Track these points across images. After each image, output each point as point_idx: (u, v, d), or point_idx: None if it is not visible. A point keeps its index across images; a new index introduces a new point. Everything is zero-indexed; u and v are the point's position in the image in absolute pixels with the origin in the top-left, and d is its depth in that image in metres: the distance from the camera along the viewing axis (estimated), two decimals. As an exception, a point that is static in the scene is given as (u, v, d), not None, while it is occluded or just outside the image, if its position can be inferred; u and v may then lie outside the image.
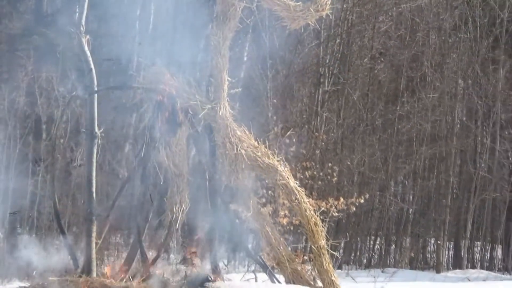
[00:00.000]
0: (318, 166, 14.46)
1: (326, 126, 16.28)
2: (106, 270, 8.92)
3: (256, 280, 9.79)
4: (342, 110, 16.75)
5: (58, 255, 9.04)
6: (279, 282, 9.20)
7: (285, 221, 10.41)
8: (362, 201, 12.58)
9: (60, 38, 12.28)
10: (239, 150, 8.88)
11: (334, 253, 9.92)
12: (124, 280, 8.62)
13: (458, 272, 16.31)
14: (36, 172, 12.72)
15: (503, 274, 16.53)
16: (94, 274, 8.72)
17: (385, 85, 17.87)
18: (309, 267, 9.32)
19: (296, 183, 9.09)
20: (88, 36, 8.99)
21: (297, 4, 8.98)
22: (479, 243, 17.54)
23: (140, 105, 10.78)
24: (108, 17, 12.28)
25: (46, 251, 9.05)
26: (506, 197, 17.06)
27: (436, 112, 17.35)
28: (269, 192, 10.28)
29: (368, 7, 17.44)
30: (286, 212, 10.30)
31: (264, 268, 9.28)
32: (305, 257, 9.51)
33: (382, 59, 18.05)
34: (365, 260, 16.91)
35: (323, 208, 10.11)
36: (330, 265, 9.10)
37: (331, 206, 11.15)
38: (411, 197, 17.62)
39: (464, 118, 18.07)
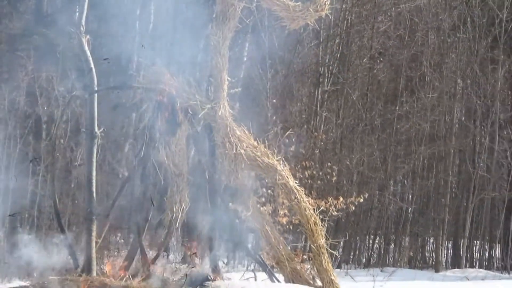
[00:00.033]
0: (317, 165, 14.49)
1: (325, 125, 16.31)
2: (106, 267, 8.95)
3: (255, 279, 9.81)
4: (341, 109, 16.78)
5: (58, 254, 9.06)
6: (278, 281, 9.22)
7: (284, 220, 10.44)
8: (361, 200, 12.59)
9: (60, 38, 12.31)
10: (239, 150, 8.91)
11: (334, 252, 9.96)
12: (124, 279, 8.64)
13: (457, 271, 16.33)
14: (36, 171, 12.74)
15: (501, 273, 16.56)
16: (94, 273, 8.74)
17: (384, 85, 17.90)
18: (309, 266, 9.35)
19: (296, 183, 9.13)
20: (88, 36, 9.02)
21: (296, 4, 9.01)
22: (478, 242, 17.57)
23: (140, 105, 10.81)
24: (108, 17, 12.30)
25: (47, 250, 9.07)
26: (505, 196, 17.09)
27: (435, 111, 17.38)
28: (269, 191, 10.30)
29: (367, 7, 17.48)
30: (286, 211, 10.32)
31: (264, 267, 9.31)
32: (305, 256, 9.54)
33: (381, 59, 18.08)
34: (364, 259, 16.95)
35: (322, 208, 10.14)
36: (330, 264, 9.14)
37: (330, 206, 11.17)
38: (410, 196, 17.65)
39: (463, 118, 18.11)
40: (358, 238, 17.05)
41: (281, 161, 9.12)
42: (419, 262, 17.19)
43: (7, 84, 12.82)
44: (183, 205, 8.91)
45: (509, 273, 16.54)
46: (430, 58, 17.54)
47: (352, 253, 16.89)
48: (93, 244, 8.79)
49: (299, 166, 12.28)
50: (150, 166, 9.06)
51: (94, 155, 8.96)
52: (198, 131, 9.13)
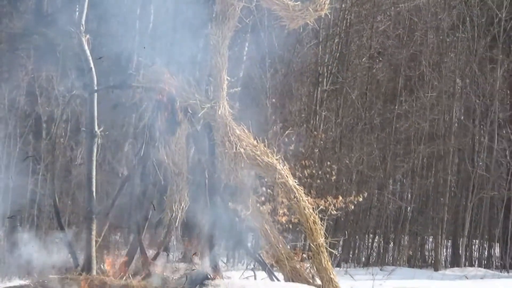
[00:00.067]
0: (317, 164, 14.51)
1: (324, 125, 16.33)
2: (106, 264, 8.97)
3: (255, 278, 9.84)
4: (340, 109, 16.80)
5: (58, 253, 9.08)
6: (278, 280, 9.25)
7: (284, 219, 10.46)
8: (360, 199, 12.61)
9: (60, 37, 12.33)
10: (238, 149, 8.93)
11: (333, 251, 9.99)
12: (124, 278, 8.67)
13: (456, 270, 16.35)
14: (36, 170, 12.76)
15: (500, 272, 16.59)
16: (94, 272, 8.77)
17: (383, 84, 17.92)
18: (308, 265, 9.37)
19: (295, 182, 9.15)
20: (88, 36, 9.04)
21: (296, 3, 9.04)
22: (477, 241, 17.60)
23: (140, 104, 10.82)
24: (108, 16, 12.33)
25: (47, 249, 9.09)
26: (504, 195, 17.12)
27: (434, 111, 17.41)
28: (268, 190, 10.32)
29: (367, 7, 17.49)
30: (285, 210, 10.34)
31: (263, 266, 9.33)
32: (304, 255, 9.56)
33: (381, 59, 18.10)
34: (363, 258, 16.97)
35: (321, 207, 10.15)
36: (329, 263, 9.16)
37: (329, 205, 11.19)
38: (409, 195, 17.67)
39: (462, 117, 18.14)
40: (357, 237, 17.07)
41: (281, 160, 9.14)
42: (419, 261, 17.21)
43: (7, 84, 12.84)
44: (182, 204, 8.92)
45: (508, 272, 16.57)
46: (429, 58, 17.56)
47: (351, 252, 16.91)
48: (93, 243, 8.81)
49: (298, 165, 12.30)
50: (150, 165, 9.08)
51: (94, 154, 8.98)
52: (197, 130, 9.15)
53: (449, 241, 17.55)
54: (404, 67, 17.56)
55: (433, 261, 17.02)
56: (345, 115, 16.93)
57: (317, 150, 15.71)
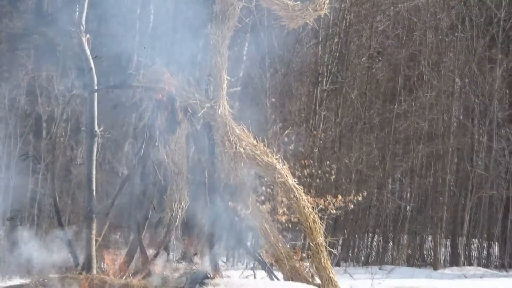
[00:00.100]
0: (316, 164, 14.53)
1: (324, 124, 16.35)
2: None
3: (254, 277, 9.86)
4: (340, 108, 16.83)
5: (58, 252, 9.10)
6: (277, 279, 9.27)
7: (283, 218, 10.48)
8: (359, 198, 12.64)
9: (60, 37, 12.35)
10: (238, 149, 8.96)
11: (332, 250, 10.01)
12: (124, 277, 8.69)
13: (455, 269, 16.39)
14: (36, 170, 12.78)
15: (499, 271, 16.62)
16: (94, 271, 8.79)
17: (382, 84, 17.95)
18: (308, 264, 9.40)
19: (295, 181, 9.17)
20: (88, 35, 9.06)
21: (295, 3, 9.06)
22: (476, 240, 17.63)
23: (140, 103, 10.84)
24: (108, 16, 12.35)
25: (47, 248, 9.12)
26: (503, 194, 17.16)
27: (433, 110, 17.44)
28: (268, 190, 10.35)
29: (366, 7, 17.52)
30: (285, 209, 10.37)
31: (263, 265, 9.35)
32: (304, 254, 9.59)
33: (380, 58, 18.13)
34: (362, 257, 17.01)
35: (321, 206, 10.19)
36: (328, 262, 9.18)
37: (329, 204, 11.23)
38: (408, 194, 17.70)
39: (461, 117, 18.18)
40: (356, 236, 17.10)
41: (280, 160, 9.17)
42: (418, 260, 17.25)
43: (8, 83, 12.85)
44: (182, 204, 8.94)
45: (507, 271, 16.60)
46: (428, 57, 17.59)
47: (350, 251, 16.94)
48: (93, 242, 8.84)
49: (298, 164, 12.33)
50: (149, 165, 9.10)
51: (94, 153, 9.01)
52: (197, 130, 9.17)
53: (448, 240, 17.58)
54: (403, 67, 17.59)
55: (432, 260, 17.05)
56: (345, 115, 16.95)
57: (316, 150, 15.74)
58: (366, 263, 16.61)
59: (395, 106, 17.38)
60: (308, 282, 9.09)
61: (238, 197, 9.06)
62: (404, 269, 15.87)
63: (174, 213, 8.91)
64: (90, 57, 9.00)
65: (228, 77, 9.14)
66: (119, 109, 12.83)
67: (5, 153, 12.32)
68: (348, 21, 17.12)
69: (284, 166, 9.14)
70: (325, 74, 16.52)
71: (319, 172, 14.11)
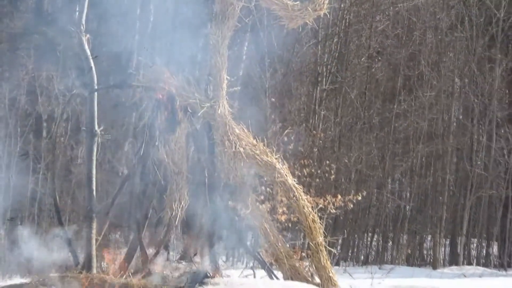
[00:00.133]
0: (316, 163, 14.55)
1: (324, 124, 16.37)
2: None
3: (254, 276, 9.88)
4: (339, 108, 16.85)
5: (58, 252, 9.12)
6: (277, 278, 9.29)
7: (283, 218, 10.50)
8: (359, 198, 12.66)
9: (61, 37, 12.36)
10: (238, 148, 8.98)
11: (332, 249, 10.04)
12: (124, 276, 8.71)
13: (454, 269, 16.40)
14: (37, 169, 12.81)
15: (499, 270, 16.63)
16: (94, 271, 8.81)
17: (382, 84, 17.97)
18: (307, 264, 9.41)
19: (294, 181, 9.20)
20: (88, 35, 9.08)
21: (295, 3, 9.08)
22: (475, 240, 17.65)
23: (140, 103, 10.86)
24: (108, 16, 12.36)
25: (47, 248, 9.13)
26: (502, 194, 17.16)
27: (432, 110, 17.46)
28: (268, 189, 10.37)
29: (366, 7, 17.54)
30: (284, 209, 10.39)
31: (263, 264, 9.37)
32: (303, 254, 9.60)
33: (380, 58, 18.15)
34: (362, 257, 17.03)
35: (320, 205, 10.20)
36: (328, 262, 9.20)
37: (328, 203, 11.24)
38: (408, 194, 17.72)
39: (461, 117, 18.20)
40: (356, 235, 17.12)
41: (280, 159, 9.19)
42: (417, 259, 17.27)
43: (8, 83, 12.87)
44: (182, 203, 8.96)
45: (506, 271, 16.61)
46: (428, 57, 17.61)
47: (350, 251, 16.96)
48: (93, 241, 8.86)
49: (297, 164, 12.35)
50: (149, 164, 9.11)
51: (94, 153, 9.03)
52: (197, 130, 9.19)
53: (448, 239, 17.60)
54: (403, 67, 17.61)
55: (431, 260, 17.07)
56: (344, 115, 16.98)
57: (316, 149, 15.76)
58: (365, 263, 16.63)
59: (395, 106, 17.40)
60: (307, 281, 9.11)
61: (238, 197, 9.08)
62: (404, 268, 15.89)
63: (174, 213, 8.93)
64: (90, 57, 9.02)
65: (228, 77, 9.16)
66: (119, 109, 12.85)
67: (6, 153, 12.34)
68: (347, 21, 17.14)
69: (284, 166, 9.16)
70: (325, 74, 16.54)
71: (319, 171, 14.13)
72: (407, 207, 17.27)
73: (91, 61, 9.01)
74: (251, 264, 11.64)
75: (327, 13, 9.44)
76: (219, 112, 9.01)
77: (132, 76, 9.45)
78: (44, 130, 13.11)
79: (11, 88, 12.73)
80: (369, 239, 17.34)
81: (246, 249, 9.74)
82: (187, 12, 9.63)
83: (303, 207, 9.08)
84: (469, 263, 17.13)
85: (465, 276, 15.25)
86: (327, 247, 9.26)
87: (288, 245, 9.49)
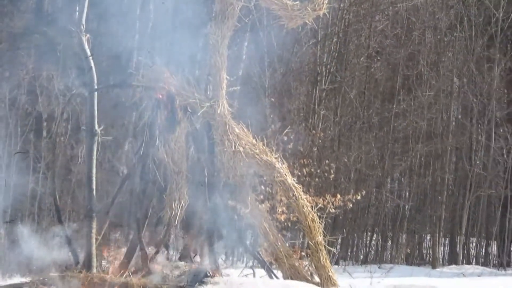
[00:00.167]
0: (315, 163, 14.57)
1: (323, 123, 16.40)
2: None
3: (254, 276, 9.90)
4: (339, 108, 16.88)
5: (58, 251, 9.13)
6: (277, 277, 9.31)
7: (282, 217, 10.53)
8: (358, 197, 12.69)
9: (61, 36, 12.37)
10: (238, 148, 9.00)
11: (331, 249, 10.05)
12: (124, 275, 8.73)
13: (453, 268, 16.43)
14: (37, 169, 12.82)
15: (498, 269, 16.66)
16: (94, 270, 8.83)
17: (381, 84, 18.00)
18: (307, 263, 9.43)
19: (294, 180, 9.21)
20: (88, 35, 9.09)
21: (294, 3, 9.10)
22: (474, 239, 17.69)
23: (140, 103, 10.88)
24: (108, 16, 12.36)
25: (47, 247, 9.14)
26: (501, 193, 17.19)
27: (432, 110, 17.49)
28: (267, 189, 10.40)
29: (365, 7, 17.57)
30: (284, 208, 10.42)
31: (262, 263, 9.39)
32: (303, 253, 9.63)
33: (379, 58, 18.18)
34: (361, 256, 17.05)
35: (320, 205, 10.21)
36: (327, 261, 9.22)
37: (328, 203, 11.26)
38: (407, 193, 17.75)
39: (460, 116, 18.23)
40: (355, 235, 17.15)
41: (280, 159, 9.21)
42: (416, 258, 17.30)
43: (8, 82, 12.89)
44: (182, 202, 8.98)
45: (505, 270, 16.64)
46: (427, 57, 17.64)
47: (349, 250, 16.99)
48: (93, 240, 8.87)
49: (297, 163, 12.38)
50: (149, 164, 9.13)
51: (94, 152, 9.04)
52: (197, 129, 9.21)
53: (447, 239, 17.63)
54: (402, 67, 17.64)
55: (430, 259, 17.10)
56: (344, 114, 17.00)
57: (315, 149, 15.78)
58: (365, 262, 16.66)
59: (394, 106, 17.42)
60: (307, 280, 9.13)
61: (238, 196, 9.09)
62: (403, 267, 15.91)
63: (173, 212, 8.94)
64: (90, 57, 9.04)
65: (228, 77, 9.18)
66: (119, 108, 12.86)
67: (6, 152, 12.36)
68: (347, 20, 17.17)
69: (283, 165, 9.18)
70: (324, 73, 16.57)
71: (318, 171, 14.15)
72: (406, 206, 17.30)
73: (91, 60, 9.02)
74: (251, 264, 11.64)
75: (326, 13, 9.46)
76: (218, 111, 9.03)
77: (132, 76, 9.46)
78: (44, 130, 13.12)
79: (11, 87, 12.75)
80: (368, 238, 17.37)
81: (246, 248, 9.76)
82: (187, 12, 9.64)
83: (303, 207, 9.10)
84: (468, 262, 17.16)
85: (464, 275, 15.28)
86: (327, 246, 9.28)
87: (287, 245, 9.51)
